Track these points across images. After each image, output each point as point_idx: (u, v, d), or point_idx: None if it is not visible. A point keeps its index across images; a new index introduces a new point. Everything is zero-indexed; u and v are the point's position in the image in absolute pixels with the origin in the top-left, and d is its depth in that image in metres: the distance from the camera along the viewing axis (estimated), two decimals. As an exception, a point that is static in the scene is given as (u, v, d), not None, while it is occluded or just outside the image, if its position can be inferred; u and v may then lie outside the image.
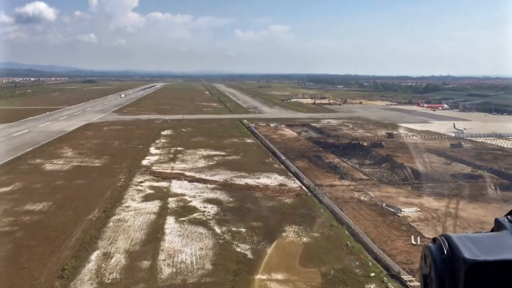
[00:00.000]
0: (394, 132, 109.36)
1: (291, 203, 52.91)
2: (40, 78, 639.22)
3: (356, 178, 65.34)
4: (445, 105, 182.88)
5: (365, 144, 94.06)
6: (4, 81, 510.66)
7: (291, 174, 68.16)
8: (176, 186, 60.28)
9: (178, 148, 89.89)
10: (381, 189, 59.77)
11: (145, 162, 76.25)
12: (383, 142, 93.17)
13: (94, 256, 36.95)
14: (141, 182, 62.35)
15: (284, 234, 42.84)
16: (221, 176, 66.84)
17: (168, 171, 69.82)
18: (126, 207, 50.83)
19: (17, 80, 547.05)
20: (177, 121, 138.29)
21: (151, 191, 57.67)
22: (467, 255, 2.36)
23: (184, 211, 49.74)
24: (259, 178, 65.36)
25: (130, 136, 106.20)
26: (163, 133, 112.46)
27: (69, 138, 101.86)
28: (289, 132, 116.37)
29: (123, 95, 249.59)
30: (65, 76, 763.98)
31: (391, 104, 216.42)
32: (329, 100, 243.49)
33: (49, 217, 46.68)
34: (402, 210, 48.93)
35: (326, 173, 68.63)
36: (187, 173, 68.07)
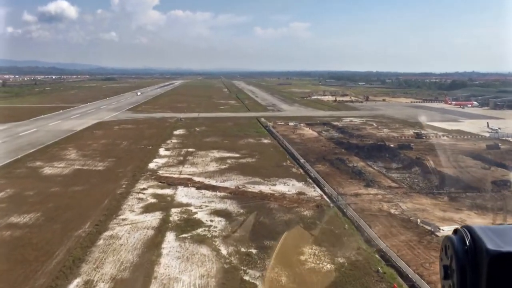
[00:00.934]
0: (422, 132, 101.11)
1: (310, 217, 46.08)
2: (62, 76, 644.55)
3: (384, 186, 58.01)
4: (474, 102, 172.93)
5: (391, 145, 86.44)
6: (25, 79, 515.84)
7: (310, 180, 61.27)
8: (182, 194, 54.03)
9: (189, 150, 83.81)
10: (414, 199, 52.41)
11: (152, 165, 70.31)
12: (411, 144, 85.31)
13: (72, 286, 30.85)
14: (144, 189, 56.30)
15: (302, 257, 36.06)
16: (232, 182, 60.38)
17: (176, 175, 63.67)
18: (123, 220, 44.74)
19: (38, 78, 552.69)
20: (191, 120, 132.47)
21: (153, 200, 51.54)
22: (490, 246, 2.41)
23: (187, 225, 43.41)
24: (275, 185, 58.67)
25: (141, 136, 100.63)
26: (176, 132, 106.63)
27: (76, 138, 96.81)
28: (308, 132, 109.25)
29: (139, 93, 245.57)
30: (87, 74, 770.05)
31: (416, 102, 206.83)
32: (350, 97, 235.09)
33: (33, 233, 40.84)
34: (441, 229, 41.56)
35: (350, 180, 61.48)
36: (196, 178, 61.81)
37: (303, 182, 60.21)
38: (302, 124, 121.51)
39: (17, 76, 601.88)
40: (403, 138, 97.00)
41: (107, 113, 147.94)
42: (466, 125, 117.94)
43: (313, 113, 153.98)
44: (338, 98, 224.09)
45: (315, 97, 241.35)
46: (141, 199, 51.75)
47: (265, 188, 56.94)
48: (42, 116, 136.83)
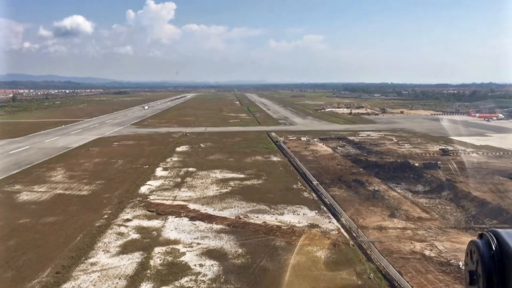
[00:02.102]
0: (449, 149, 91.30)
1: (325, 260, 37.00)
2: (75, 90, 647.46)
3: (413, 217, 48.59)
4: (500, 115, 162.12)
5: (416, 164, 76.93)
6: (39, 93, 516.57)
7: (325, 208, 52.20)
8: (172, 227, 45.39)
9: (190, 169, 75.41)
10: (451, 236, 42.93)
11: (144, 189, 61.93)
12: (438, 162, 75.65)
13: None
14: (127, 220, 47.81)
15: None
16: (233, 210, 51.62)
17: (168, 202, 55.13)
18: (92, 264, 36.19)
19: (51, 92, 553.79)
20: (197, 135, 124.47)
21: (135, 236, 42.97)
22: None
23: (171, 272, 34.68)
24: (282, 214, 49.77)
25: (139, 153, 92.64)
26: (178, 149, 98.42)
27: (69, 156, 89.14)
28: (322, 148, 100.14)
29: (146, 107, 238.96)
30: (102, 88, 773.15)
31: (436, 114, 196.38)
32: (366, 110, 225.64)
33: (-26, 285, 32.55)
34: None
35: (371, 207, 52.22)
36: (191, 206, 53.20)
37: (316, 211, 51.17)
38: (315, 139, 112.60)
39: (31, 91, 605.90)
40: (427, 155, 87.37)
41: (110, 128, 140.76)
42: (496, 140, 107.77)
43: (327, 127, 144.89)
44: (354, 111, 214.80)
45: (329, 109, 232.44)
46: (121, 235, 43.20)
47: (270, 219, 48.04)
48: (42, 132, 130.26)
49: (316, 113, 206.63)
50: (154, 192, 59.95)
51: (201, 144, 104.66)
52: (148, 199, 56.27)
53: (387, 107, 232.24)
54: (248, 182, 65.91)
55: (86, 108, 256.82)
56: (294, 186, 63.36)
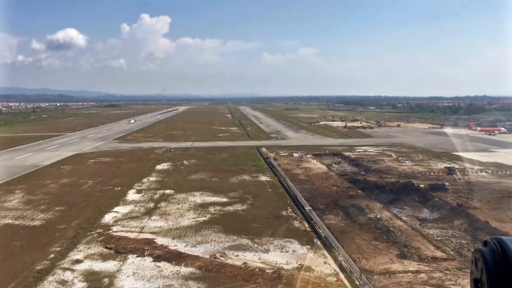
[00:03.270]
0: (455, 167, 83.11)
1: (318, 323, 28.44)
2: (67, 103, 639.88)
3: (426, 256, 39.96)
4: (502, 128, 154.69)
5: (421, 185, 68.67)
6: (29, 106, 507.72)
7: (319, 243, 43.64)
8: (129, 272, 36.62)
9: (167, 192, 66.75)
10: (478, 283, 34.50)
11: (108, 217, 53.15)
12: (446, 183, 67.40)
13: None
14: (77, 261, 38.96)
15: None
16: (209, 246, 42.96)
17: (133, 235, 46.39)
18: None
19: (42, 105, 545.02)
20: (182, 150, 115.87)
21: (81, 285, 34.18)
22: None
23: None
24: (267, 252, 41.18)
25: (114, 172, 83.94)
26: (158, 167, 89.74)
27: (35, 176, 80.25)
28: (316, 165, 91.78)
29: (132, 121, 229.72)
30: (95, 101, 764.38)
31: (434, 127, 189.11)
32: (361, 123, 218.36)
33: None
34: None
35: (375, 242, 43.71)
36: (160, 240, 44.51)
37: (309, 246, 42.63)
38: (308, 155, 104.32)
39: (22, 104, 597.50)
40: (432, 174, 79.21)
41: (90, 143, 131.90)
42: (502, 156, 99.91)
43: (321, 141, 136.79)
44: (348, 124, 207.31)
45: (323, 122, 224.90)
46: (63, 284, 34.39)
47: (253, 258, 39.40)
48: (16, 147, 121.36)
49: (309, 127, 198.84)
50: (119, 222, 51.17)
51: (185, 161, 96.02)
52: (110, 231, 47.48)
53: (382, 120, 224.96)
54: (231, 208, 57.28)
55: (72, 121, 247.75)
56: (283, 213, 54.82)
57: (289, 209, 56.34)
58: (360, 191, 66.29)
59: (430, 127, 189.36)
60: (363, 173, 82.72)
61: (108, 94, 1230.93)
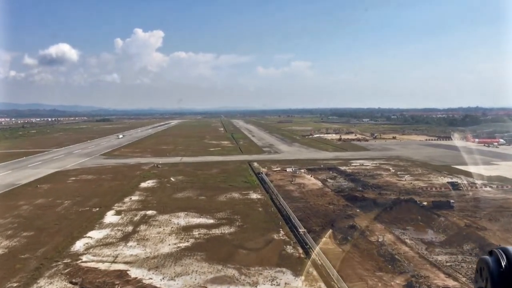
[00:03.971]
0: (458, 182, 78.25)
1: None
2: (58, 118, 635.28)
3: (436, 286, 34.87)
4: (501, 140, 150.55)
5: (423, 202, 63.63)
6: (19, 122, 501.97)
7: (315, 273, 38.41)
8: (93, 314, 31.19)
9: (148, 213, 61.34)
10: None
11: (80, 244, 47.65)
12: (451, 201, 62.43)
13: None
14: (33, 301, 33.53)
15: None
16: (189, 278, 37.57)
17: (105, 266, 40.91)
18: None
19: (33, 121, 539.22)
20: (170, 166, 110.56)
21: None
22: None
23: None
24: (256, 286, 35.90)
25: (95, 191, 78.47)
26: (143, 185, 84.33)
27: (9, 196, 74.61)
28: (310, 181, 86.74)
29: (121, 136, 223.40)
30: (87, 116, 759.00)
31: (431, 139, 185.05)
32: (356, 135, 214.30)
33: None
34: None
35: (379, 273, 38.42)
36: (134, 272, 39.07)
37: (303, 277, 37.38)
38: (302, 170, 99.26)
39: (13, 119, 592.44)
40: (434, 189, 74.36)
41: (75, 160, 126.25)
42: (505, 169, 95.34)
43: (316, 155, 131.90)
44: (343, 136, 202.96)
45: (317, 135, 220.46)
46: (10, 331, 28.92)
47: (239, 294, 34.10)
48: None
49: (303, 140, 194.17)
50: (91, 250, 45.68)
51: (171, 178, 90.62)
52: (79, 262, 41.98)
53: (377, 132, 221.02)
54: (217, 231, 51.94)
55: (60, 137, 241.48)
56: (275, 236, 49.57)
57: (281, 232, 51.13)
58: (358, 210, 61.22)
59: (426, 139, 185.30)
60: (361, 189, 77.74)
61: (101, 108, 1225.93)
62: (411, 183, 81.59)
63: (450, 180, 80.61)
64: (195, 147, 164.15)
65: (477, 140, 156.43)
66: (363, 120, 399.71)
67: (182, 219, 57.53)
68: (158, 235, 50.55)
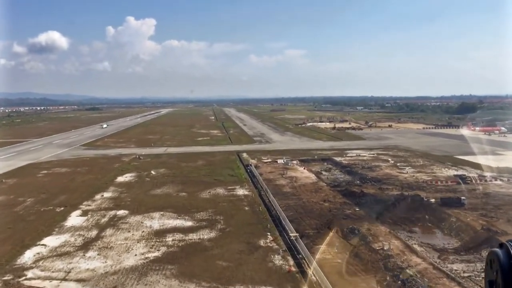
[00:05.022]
0: (466, 175, 71.09)
1: None
2: (48, 107, 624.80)
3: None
4: (502, 128, 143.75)
5: (431, 199, 56.48)
6: (7, 111, 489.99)
7: (308, 294, 31.22)
8: None
9: (119, 213, 53.85)
10: None
11: (29, 254, 40.07)
12: (462, 197, 55.32)
13: None
14: None
15: None
16: (153, 303, 30.23)
17: (52, 285, 33.41)
18: None
19: (22, 110, 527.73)
20: (153, 157, 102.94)
21: None
22: None
23: None
24: (235, 313, 28.64)
25: (65, 186, 70.81)
26: (119, 179, 76.70)
27: (-33, 192, 66.73)
28: (304, 174, 79.56)
29: (105, 126, 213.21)
30: (78, 105, 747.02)
31: (428, 127, 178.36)
32: (350, 123, 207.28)
33: None
34: None
35: (387, 293, 31.36)
36: (86, 294, 31.68)
37: (294, 300, 30.14)
38: (294, 161, 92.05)
39: (1, 108, 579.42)
40: (439, 184, 67.27)
41: (52, 150, 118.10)
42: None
43: (309, 145, 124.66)
44: (337, 125, 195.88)
45: (311, 124, 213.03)
46: None
47: (212, 327, 26.78)
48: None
49: (296, 128, 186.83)
50: (42, 262, 38.14)
51: (152, 171, 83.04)
52: (22, 279, 34.44)
53: (372, 120, 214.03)
54: (195, 237, 44.55)
55: (45, 126, 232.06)
56: (261, 243, 42.29)
57: (269, 237, 43.86)
58: (357, 209, 54.07)
59: (424, 128, 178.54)
60: (359, 183, 70.66)
61: (93, 97, 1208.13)
62: (414, 176, 74.57)
63: (456, 172, 73.68)
64: (183, 137, 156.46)
65: (477, 128, 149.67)
66: (357, 108, 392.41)
67: (156, 221, 50.08)
68: (124, 242, 43.07)
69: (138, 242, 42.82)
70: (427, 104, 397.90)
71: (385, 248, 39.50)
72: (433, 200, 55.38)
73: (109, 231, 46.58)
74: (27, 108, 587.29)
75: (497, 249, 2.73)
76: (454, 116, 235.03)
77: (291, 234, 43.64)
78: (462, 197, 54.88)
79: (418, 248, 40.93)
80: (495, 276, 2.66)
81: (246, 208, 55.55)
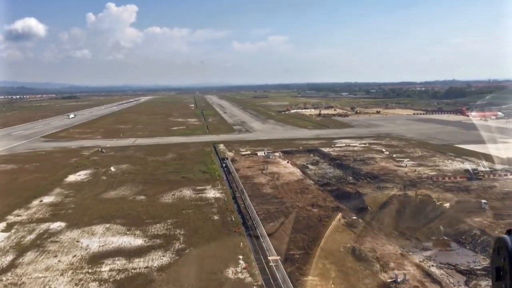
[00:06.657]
0: (478, 169, 60.61)
1: None
2: (24, 96, 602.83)
3: None
4: (499, 113, 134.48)
5: (445, 204, 45.78)
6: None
7: None
8: None
9: (53, 227, 42.29)
10: None
11: None
12: (483, 201, 44.78)
13: None
14: None
15: None
16: None
17: None
18: None
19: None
20: (118, 150, 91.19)
21: None
22: None
23: None
24: None
25: (2, 188, 58.78)
26: (70, 178, 64.85)
27: None
28: (287, 169, 68.63)
29: (72, 116, 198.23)
30: (58, 93, 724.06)
31: (419, 113, 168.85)
32: (336, 110, 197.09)
33: None
34: None
35: None
36: None
37: None
38: (277, 154, 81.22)
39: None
40: (447, 179, 56.93)
41: (6, 143, 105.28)
42: (519, 148, 78.88)
43: (293, 134, 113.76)
44: (323, 111, 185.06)
45: (295, 110, 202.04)
46: None
47: None
48: None
49: (279, 116, 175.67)
50: None
51: (112, 168, 71.34)
52: None
53: (358, 107, 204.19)
54: (141, 265, 33.20)
55: (12, 116, 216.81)
56: (230, 272, 31.24)
57: (242, 262, 32.83)
58: (354, 217, 43.21)
59: (414, 113, 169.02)
60: (352, 179, 60.07)
61: (73, 85, 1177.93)
62: (414, 170, 64.10)
63: (463, 165, 63.48)
64: (157, 126, 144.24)
65: (473, 113, 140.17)
66: (342, 94, 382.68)
67: (97, 239, 38.66)
68: (43, 275, 31.57)
69: (61, 275, 31.40)
70: (413, 89, 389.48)
71: (398, 280, 28.80)
72: (447, 205, 44.69)
73: (29, 256, 35.03)
74: (2, 97, 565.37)
75: (505, 236, 2.68)
76: (442, 101, 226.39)
77: (270, 258, 32.80)
78: (483, 201, 44.49)
79: (437, 272, 30.37)
80: (502, 263, 2.63)
81: (215, 218, 44.39)
